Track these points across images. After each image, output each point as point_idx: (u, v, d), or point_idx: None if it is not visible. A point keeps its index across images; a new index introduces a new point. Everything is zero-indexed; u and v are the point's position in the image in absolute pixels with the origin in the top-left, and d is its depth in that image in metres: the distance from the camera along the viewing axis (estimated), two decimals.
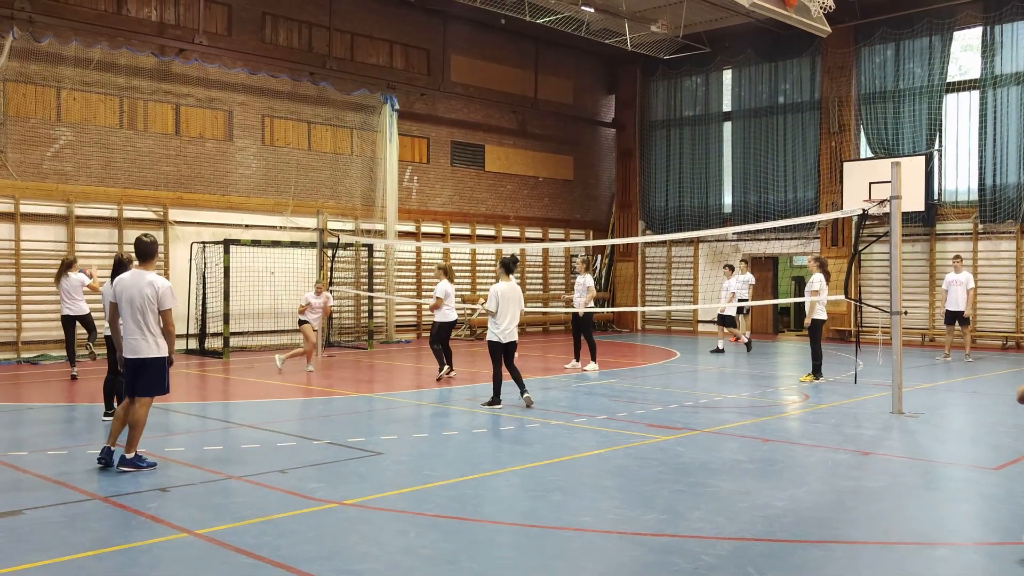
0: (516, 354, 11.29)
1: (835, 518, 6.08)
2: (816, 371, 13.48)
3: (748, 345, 18.79)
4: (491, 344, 11.03)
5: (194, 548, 5.35)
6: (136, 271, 7.58)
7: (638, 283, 26.73)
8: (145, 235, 7.73)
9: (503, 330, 10.89)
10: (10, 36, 15.91)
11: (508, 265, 11.17)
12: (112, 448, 7.48)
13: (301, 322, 15.05)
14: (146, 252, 7.57)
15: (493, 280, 11.37)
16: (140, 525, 5.81)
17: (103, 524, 5.87)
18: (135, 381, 7.51)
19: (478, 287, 23.39)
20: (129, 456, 7.35)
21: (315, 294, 15.11)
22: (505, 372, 11.05)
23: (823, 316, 13.52)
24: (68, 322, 13.45)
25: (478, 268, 23.85)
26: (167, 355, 7.56)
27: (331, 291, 17.91)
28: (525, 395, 10.93)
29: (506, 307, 10.89)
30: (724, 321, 18.72)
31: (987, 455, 8.33)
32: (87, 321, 13.49)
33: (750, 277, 20.81)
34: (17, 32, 16.06)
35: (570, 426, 9.65)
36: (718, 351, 18.50)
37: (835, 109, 22.36)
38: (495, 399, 10.91)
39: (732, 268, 19.58)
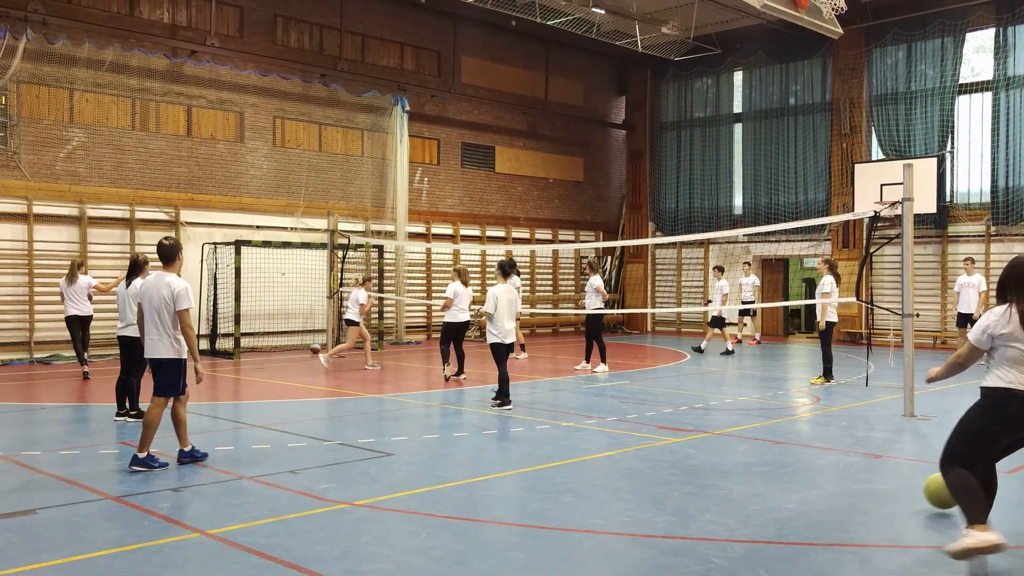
0: (513, 355, 11.53)
1: (847, 521, 6.06)
2: (827, 373, 13.45)
3: (699, 348, 18.97)
4: (494, 346, 11.17)
5: (206, 548, 5.37)
6: (158, 273, 7.76)
7: (648, 285, 26.70)
8: (167, 238, 7.91)
9: (504, 331, 11.03)
10: (24, 38, 16.02)
11: (505, 268, 11.43)
12: (186, 449, 7.63)
13: (352, 322, 15.36)
14: (167, 254, 7.74)
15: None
16: (152, 525, 5.84)
17: (115, 524, 5.90)
18: (153, 381, 7.62)
19: (488, 289, 23.38)
20: (141, 456, 7.41)
21: (366, 291, 15.60)
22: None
23: (833, 318, 13.50)
24: (73, 322, 13.60)
25: (488, 270, 23.86)
26: (184, 357, 7.64)
27: (340, 291, 17.99)
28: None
29: (504, 308, 10.99)
30: (716, 322, 18.87)
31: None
32: (87, 324, 13.65)
33: (755, 279, 20.81)
34: (31, 34, 16.16)
35: (580, 428, 9.65)
36: (728, 352, 18.50)
37: (846, 111, 22.27)
38: (505, 400, 10.94)
39: (722, 269, 20.04)
